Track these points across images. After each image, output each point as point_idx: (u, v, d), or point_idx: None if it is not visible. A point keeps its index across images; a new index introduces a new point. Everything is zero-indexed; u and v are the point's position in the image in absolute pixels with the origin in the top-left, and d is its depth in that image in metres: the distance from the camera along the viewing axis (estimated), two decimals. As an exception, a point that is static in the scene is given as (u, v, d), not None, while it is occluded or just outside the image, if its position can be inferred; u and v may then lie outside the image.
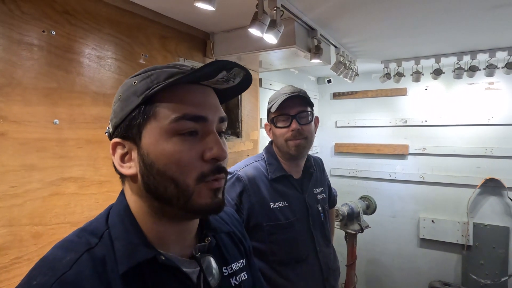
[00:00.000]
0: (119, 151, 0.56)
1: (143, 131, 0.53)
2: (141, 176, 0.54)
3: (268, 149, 1.33)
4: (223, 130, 0.59)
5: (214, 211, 0.55)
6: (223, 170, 0.55)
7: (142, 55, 1.42)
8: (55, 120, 1.10)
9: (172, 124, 0.52)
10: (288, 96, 1.20)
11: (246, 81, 0.60)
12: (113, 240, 0.53)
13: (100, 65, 1.25)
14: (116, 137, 0.56)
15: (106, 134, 0.59)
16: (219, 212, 0.56)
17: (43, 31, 1.07)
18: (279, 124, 1.25)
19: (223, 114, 0.58)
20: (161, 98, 0.53)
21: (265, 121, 1.33)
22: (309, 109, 1.25)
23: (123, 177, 0.58)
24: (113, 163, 0.57)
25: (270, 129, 1.30)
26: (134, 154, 0.54)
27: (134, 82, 0.55)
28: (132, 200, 0.57)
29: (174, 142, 0.52)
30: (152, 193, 0.53)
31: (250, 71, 0.57)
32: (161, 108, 0.53)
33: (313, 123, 1.27)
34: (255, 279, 0.78)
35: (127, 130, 0.54)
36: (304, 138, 1.22)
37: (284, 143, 1.23)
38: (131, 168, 0.55)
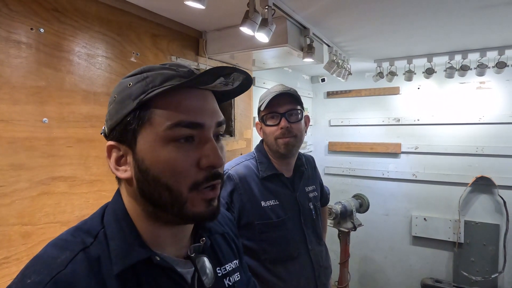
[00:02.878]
0: (115, 154, 0.55)
1: (138, 136, 0.52)
2: (136, 181, 0.53)
3: (259, 147, 1.33)
4: (221, 133, 0.58)
5: (209, 219, 0.55)
6: (219, 177, 0.55)
7: (133, 53, 1.41)
8: (44, 119, 1.09)
9: (167, 131, 0.51)
10: (277, 94, 1.20)
11: (245, 83, 0.59)
12: (108, 240, 0.52)
13: (90, 63, 1.24)
14: (111, 139, 0.55)
15: (102, 134, 0.58)
16: (214, 219, 0.56)
17: (31, 29, 1.06)
18: (268, 122, 1.25)
19: (221, 118, 0.57)
20: (157, 104, 0.52)
21: (257, 120, 1.34)
22: (298, 107, 1.25)
23: (118, 179, 0.58)
24: (109, 165, 0.56)
25: (260, 127, 1.30)
26: (130, 158, 0.53)
27: (129, 84, 0.53)
28: (128, 202, 0.56)
29: (170, 149, 0.51)
30: (147, 198, 0.53)
31: (244, 70, 0.57)
32: (156, 114, 0.51)
33: (303, 121, 1.27)
34: (247, 279, 0.78)
35: (122, 134, 0.53)
36: (294, 136, 1.22)
37: (273, 141, 1.23)
38: (126, 171, 0.54)
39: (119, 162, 0.55)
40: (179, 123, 0.51)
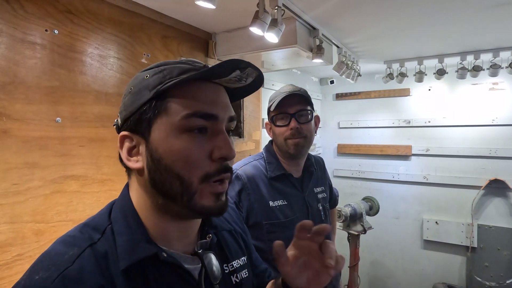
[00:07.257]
0: (127, 144, 0.55)
1: (153, 125, 0.53)
2: (148, 170, 0.54)
3: (268, 148, 1.32)
4: (232, 129, 0.59)
5: (217, 214, 0.55)
6: (229, 170, 0.55)
7: (144, 54, 1.43)
8: (58, 119, 1.11)
9: (183, 120, 0.52)
10: (287, 94, 1.20)
11: (257, 81, 0.60)
12: (115, 236, 0.53)
13: (103, 64, 1.26)
14: (124, 130, 0.55)
15: (114, 126, 0.59)
16: (222, 214, 0.56)
17: (46, 30, 1.08)
18: (278, 123, 1.24)
19: (233, 113, 0.58)
20: (173, 94, 0.53)
21: (267, 121, 1.33)
22: (308, 108, 1.24)
23: (129, 170, 0.58)
24: (119, 156, 0.57)
25: (270, 128, 1.30)
26: (142, 148, 0.54)
27: (146, 76, 0.55)
28: (137, 195, 0.57)
29: (184, 139, 0.52)
30: (158, 188, 0.53)
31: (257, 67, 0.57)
32: (172, 103, 0.52)
33: (313, 122, 1.26)
34: (262, 270, 0.79)
35: (136, 124, 0.54)
36: (303, 137, 1.21)
37: (283, 142, 1.23)
38: (138, 162, 0.54)
39: (131, 152, 0.55)
40: (195, 113, 0.52)
